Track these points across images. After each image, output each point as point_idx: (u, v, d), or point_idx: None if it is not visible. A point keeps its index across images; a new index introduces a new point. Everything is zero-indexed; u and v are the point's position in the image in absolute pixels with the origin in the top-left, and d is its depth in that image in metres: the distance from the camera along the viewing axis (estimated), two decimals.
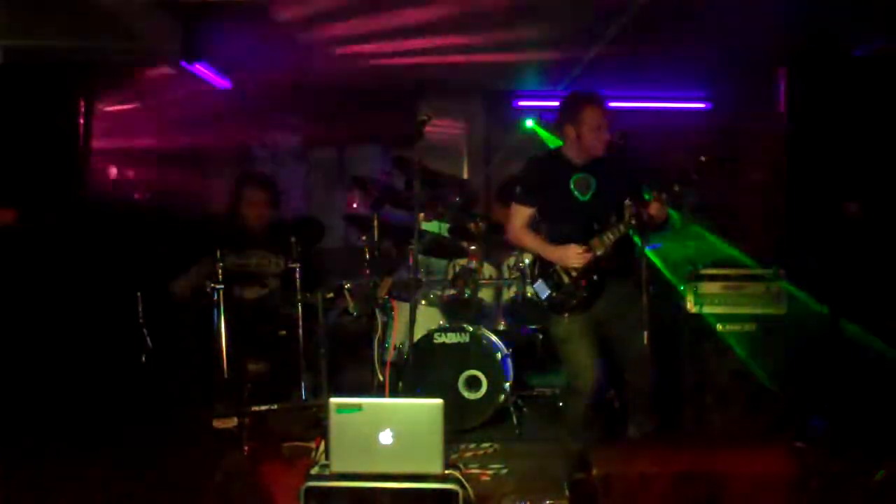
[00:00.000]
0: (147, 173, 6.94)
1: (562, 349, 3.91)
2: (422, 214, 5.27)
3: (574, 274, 3.77)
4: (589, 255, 3.73)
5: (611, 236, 3.70)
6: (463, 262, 5.22)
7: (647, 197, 3.69)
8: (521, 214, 3.94)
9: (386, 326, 5.03)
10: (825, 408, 4.30)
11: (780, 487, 3.06)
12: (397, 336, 4.93)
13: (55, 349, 5.00)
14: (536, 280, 3.90)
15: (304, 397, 4.49)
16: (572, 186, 3.80)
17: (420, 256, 5.00)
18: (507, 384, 4.79)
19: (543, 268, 3.87)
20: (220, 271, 4.26)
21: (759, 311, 4.37)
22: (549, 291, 3.83)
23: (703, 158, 3.60)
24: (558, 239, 3.82)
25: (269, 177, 5.21)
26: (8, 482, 3.74)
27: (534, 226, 3.97)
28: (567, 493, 3.65)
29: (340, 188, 6.84)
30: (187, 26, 5.17)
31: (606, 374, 3.86)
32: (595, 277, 3.77)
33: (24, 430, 4.41)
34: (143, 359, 4.66)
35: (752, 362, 4.33)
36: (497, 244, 5.55)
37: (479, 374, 4.81)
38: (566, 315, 3.82)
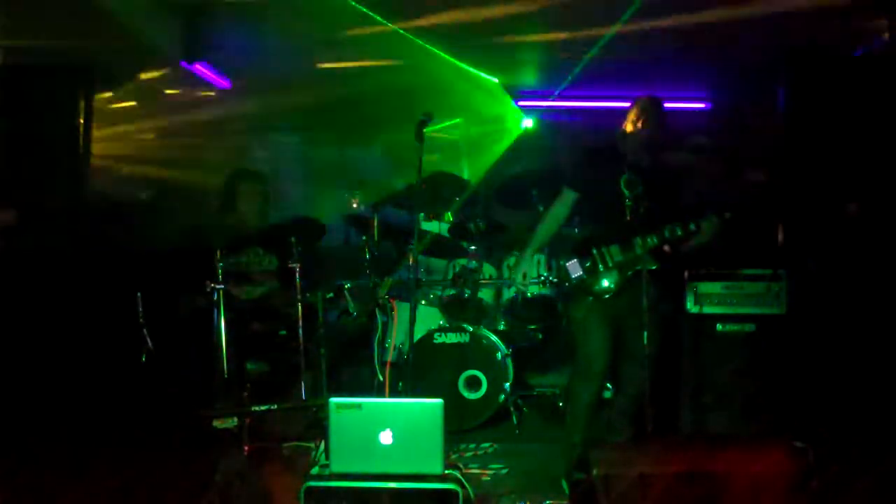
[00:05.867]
0: (147, 173, 6.94)
1: (578, 332, 3.94)
2: (422, 214, 5.28)
3: (610, 264, 3.83)
4: None
5: (654, 240, 3.76)
6: (463, 262, 5.22)
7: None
8: (564, 197, 4.00)
9: (386, 326, 5.03)
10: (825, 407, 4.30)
11: (780, 487, 3.06)
12: (397, 336, 4.93)
13: (55, 349, 4.99)
14: (571, 258, 3.91)
15: (304, 397, 4.49)
16: (622, 183, 3.83)
17: (420, 256, 5.00)
18: (507, 384, 4.79)
19: (582, 247, 3.90)
20: (219, 271, 4.27)
21: (759, 311, 4.38)
22: (581, 272, 3.87)
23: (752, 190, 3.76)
24: (601, 231, 3.88)
25: (261, 171, 5.21)
26: (9, 482, 3.74)
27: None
28: (567, 493, 3.66)
29: (340, 188, 6.84)
30: (187, 26, 5.18)
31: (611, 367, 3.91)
32: (629, 274, 3.81)
33: (24, 431, 4.41)
34: (143, 359, 4.66)
35: (751, 362, 4.33)
36: (497, 244, 5.56)
37: (479, 374, 4.81)
38: (590, 299, 3.87)
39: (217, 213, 4.98)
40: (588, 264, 3.87)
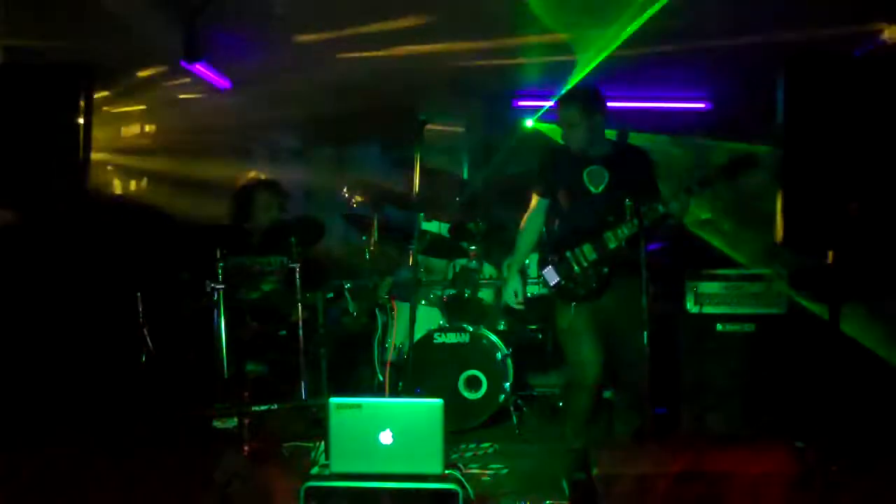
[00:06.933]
0: (147, 173, 6.95)
1: (565, 341, 3.92)
2: (422, 214, 5.28)
3: (585, 264, 3.80)
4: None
5: (625, 230, 3.72)
6: (463, 262, 5.22)
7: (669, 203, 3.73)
8: (534, 203, 4.04)
9: (386, 326, 5.03)
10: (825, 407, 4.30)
11: (780, 487, 3.06)
12: (397, 336, 4.93)
13: (56, 350, 4.99)
14: (546, 266, 3.90)
15: (304, 397, 4.49)
16: (585, 178, 3.83)
17: (420, 256, 5.00)
18: (507, 384, 4.79)
19: (556, 254, 3.88)
20: (220, 271, 4.27)
21: (759, 311, 4.38)
22: (558, 279, 3.84)
23: (724, 163, 3.70)
24: (573, 232, 3.85)
25: (277, 183, 5.21)
26: (8, 482, 3.74)
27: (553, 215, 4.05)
28: (567, 493, 3.66)
29: (340, 188, 6.84)
30: (187, 26, 5.17)
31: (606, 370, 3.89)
32: (605, 270, 3.79)
33: (24, 431, 4.41)
34: (143, 359, 4.66)
35: (751, 362, 4.34)
36: (497, 244, 5.56)
37: (479, 374, 4.81)
38: (573, 305, 3.83)
39: (230, 218, 4.97)
40: (563, 269, 3.84)
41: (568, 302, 3.85)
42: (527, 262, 5.10)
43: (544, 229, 4.08)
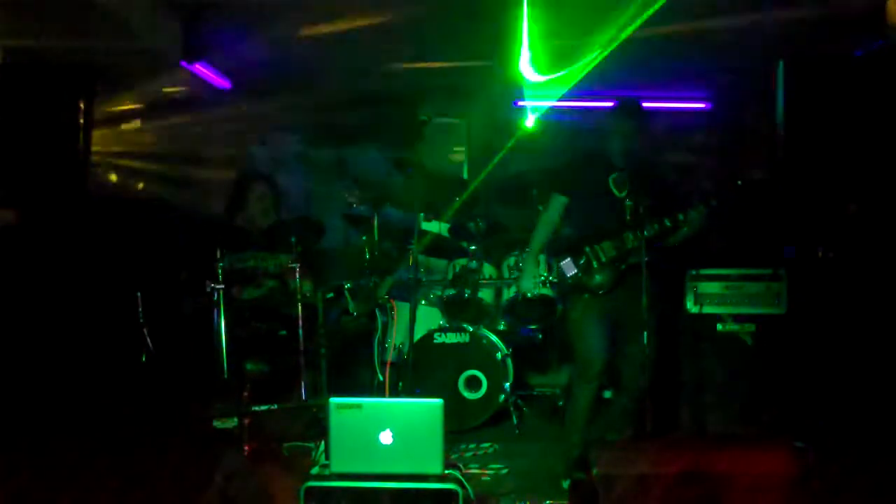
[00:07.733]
0: (147, 173, 6.94)
1: (574, 332, 4.00)
2: (422, 214, 5.27)
3: (604, 259, 3.91)
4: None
5: (644, 233, 3.82)
6: (463, 262, 5.22)
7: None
8: (554, 203, 4.14)
9: (386, 326, 5.03)
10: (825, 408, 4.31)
11: (780, 487, 3.06)
12: (397, 336, 4.94)
13: (55, 349, 5.00)
14: (564, 257, 4.00)
15: (304, 397, 4.50)
16: (611, 183, 3.95)
17: (420, 256, 5.00)
18: (507, 384, 4.79)
19: (575, 247, 3.99)
20: (220, 272, 4.27)
21: (759, 311, 4.38)
22: (575, 270, 3.96)
23: (739, 182, 3.90)
24: (593, 230, 3.97)
25: (272, 176, 5.23)
26: (9, 482, 3.74)
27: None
28: (567, 493, 3.66)
29: (340, 188, 6.84)
30: (187, 26, 5.18)
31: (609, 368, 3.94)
32: (622, 267, 3.90)
33: (24, 431, 4.41)
34: (144, 359, 4.66)
35: (751, 362, 4.34)
36: (497, 244, 5.56)
37: (479, 374, 4.81)
38: (585, 297, 3.95)
39: (225, 214, 4.98)
40: (582, 262, 3.94)
41: (581, 294, 3.95)
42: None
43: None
